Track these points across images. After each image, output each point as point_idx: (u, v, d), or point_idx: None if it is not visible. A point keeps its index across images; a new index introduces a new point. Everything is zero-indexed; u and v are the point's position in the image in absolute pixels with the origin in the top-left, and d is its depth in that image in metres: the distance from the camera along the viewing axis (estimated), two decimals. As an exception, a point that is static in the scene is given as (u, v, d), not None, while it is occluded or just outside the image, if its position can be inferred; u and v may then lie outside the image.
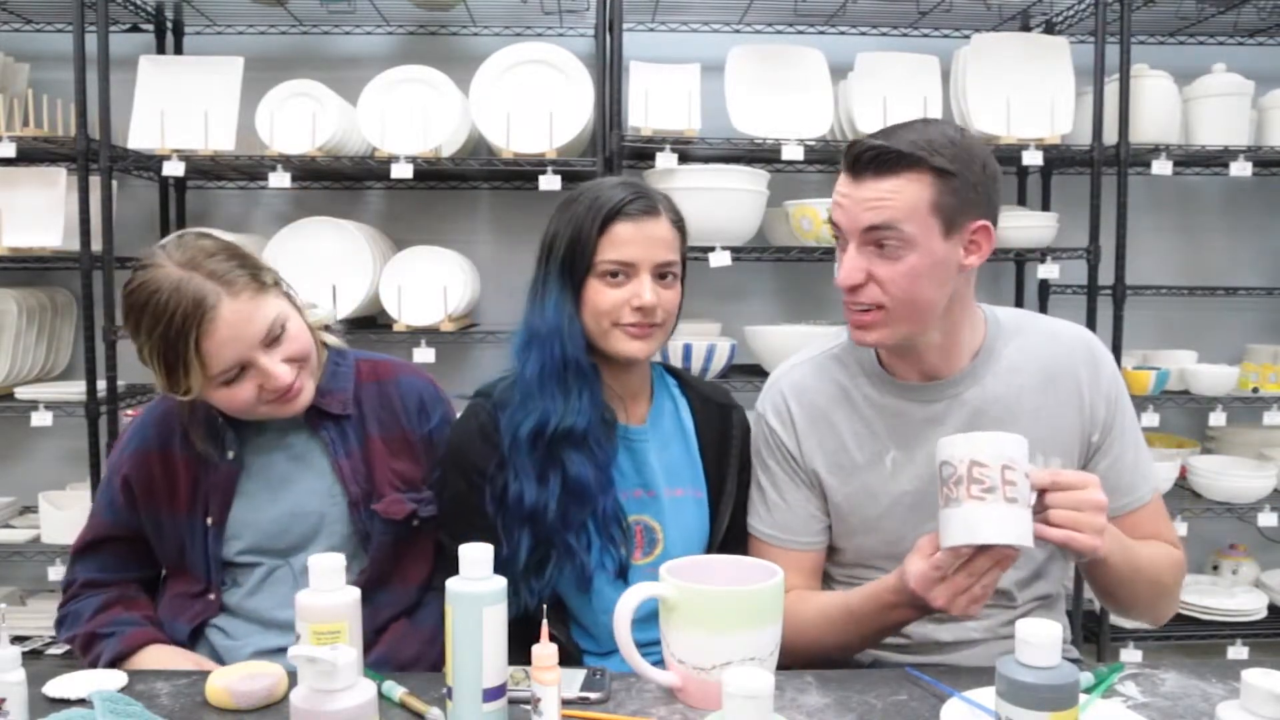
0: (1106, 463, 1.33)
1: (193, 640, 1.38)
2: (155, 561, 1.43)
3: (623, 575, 1.35)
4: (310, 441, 1.40)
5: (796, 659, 1.25)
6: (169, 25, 2.93)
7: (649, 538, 1.39)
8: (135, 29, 2.90)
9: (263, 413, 1.32)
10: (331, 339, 1.46)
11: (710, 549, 1.43)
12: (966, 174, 1.21)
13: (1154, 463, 1.39)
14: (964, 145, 1.22)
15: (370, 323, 2.79)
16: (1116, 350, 2.65)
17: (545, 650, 0.96)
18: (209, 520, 1.36)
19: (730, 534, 1.44)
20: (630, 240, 1.32)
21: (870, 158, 1.20)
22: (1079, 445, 1.33)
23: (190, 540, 1.37)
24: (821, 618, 1.29)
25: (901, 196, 1.19)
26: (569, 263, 1.34)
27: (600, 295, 1.33)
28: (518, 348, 1.37)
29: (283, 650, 1.15)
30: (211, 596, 1.37)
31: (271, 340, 1.28)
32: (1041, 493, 1.10)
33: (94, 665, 1.32)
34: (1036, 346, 1.34)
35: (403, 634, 1.39)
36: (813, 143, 2.60)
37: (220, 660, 1.36)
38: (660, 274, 1.34)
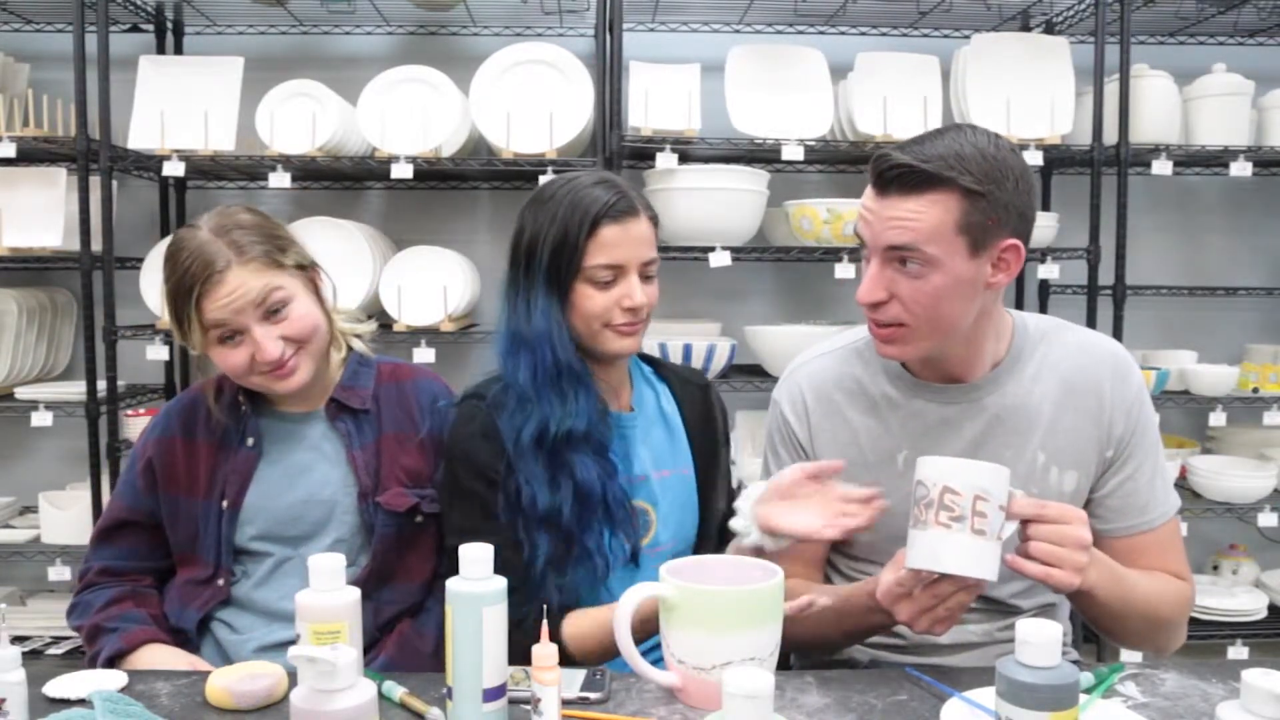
0: (1118, 479, 1.30)
1: (200, 633, 1.40)
2: (170, 552, 1.46)
3: (634, 559, 1.36)
4: (328, 432, 1.45)
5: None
6: (169, 25, 2.93)
7: (643, 520, 1.41)
8: (135, 29, 2.90)
9: (255, 383, 1.39)
10: (360, 345, 1.52)
11: (704, 526, 1.45)
12: (997, 192, 1.16)
13: (1174, 491, 1.34)
14: (997, 160, 1.17)
15: (370, 323, 2.79)
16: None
17: (545, 650, 0.96)
18: (224, 503, 1.40)
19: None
20: (618, 243, 1.32)
21: (895, 175, 1.16)
22: (1095, 460, 1.30)
23: (204, 524, 1.41)
24: None
25: (926, 217, 1.15)
26: (555, 267, 1.33)
27: (590, 300, 1.33)
28: (503, 353, 1.37)
29: (289, 643, 1.16)
30: (220, 582, 1.40)
31: (269, 314, 1.35)
32: (1025, 523, 1.09)
33: (95, 658, 1.35)
34: (1062, 357, 1.31)
35: (407, 640, 1.41)
36: (813, 143, 2.60)
37: (226, 655, 1.38)
38: (645, 272, 1.36)
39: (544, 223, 1.33)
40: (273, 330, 1.35)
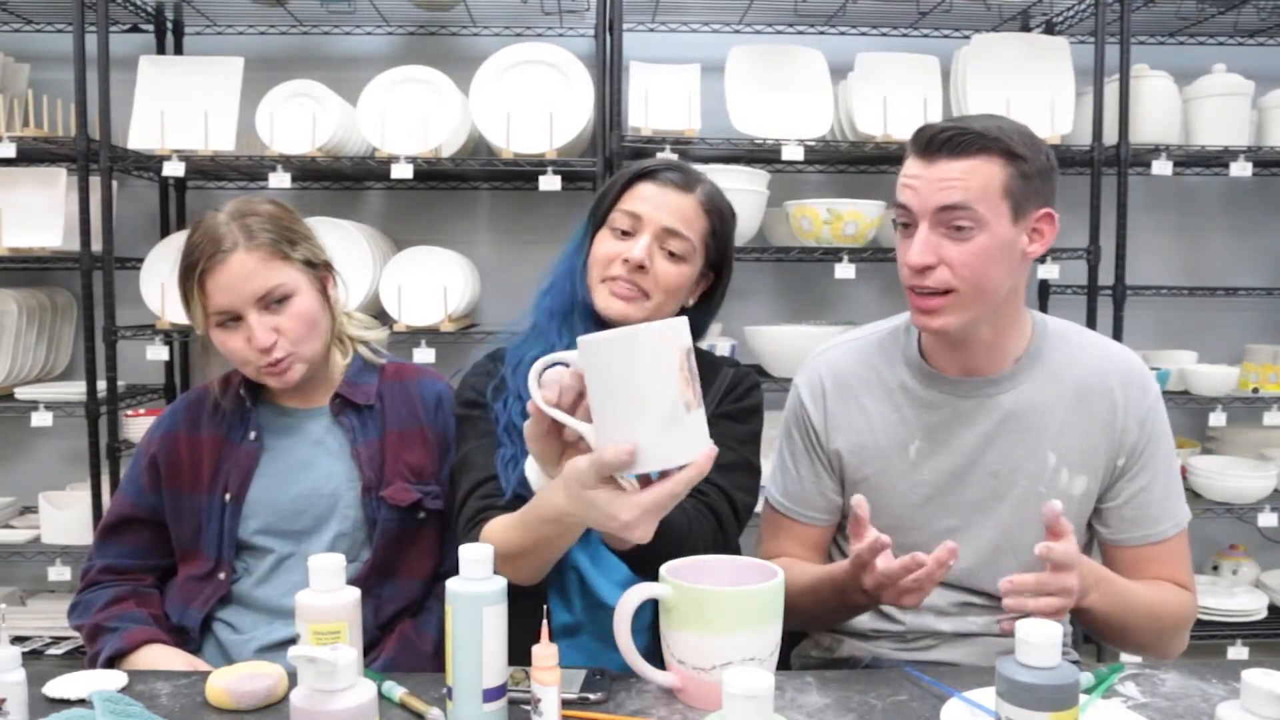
0: (1131, 490, 1.33)
1: (201, 633, 1.41)
2: (172, 551, 1.46)
3: None
4: (332, 428, 1.47)
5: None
6: (169, 25, 2.93)
7: None
8: (135, 29, 2.90)
9: (249, 374, 1.41)
10: (366, 351, 1.53)
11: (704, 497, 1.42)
12: (1035, 160, 1.24)
13: (1185, 504, 1.37)
14: (1030, 135, 1.26)
15: (370, 323, 2.78)
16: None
17: (545, 650, 0.96)
18: (227, 496, 1.41)
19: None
20: (645, 198, 1.34)
21: (945, 139, 1.22)
22: (1104, 466, 1.33)
23: (207, 518, 1.42)
24: (796, 585, 1.28)
25: (975, 177, 1.21)
26: (595, 209, 1.38)
27: (602, 244, 1.35)
28: (541, 292, 1.40)
29: (292, 641, 1.16)
30: (221, 576, 1.41)
31: (268, 304, 1.36)
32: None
33: (95, 658, 1.35)
34: (1079, 360, 1.34)
35: (407, 640, 1.42)
36: (813, 143, 2.60)
37: (228, 655, 1.38)
38: (667, 244, 1.33)
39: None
40: (268, 320, 1.36)
